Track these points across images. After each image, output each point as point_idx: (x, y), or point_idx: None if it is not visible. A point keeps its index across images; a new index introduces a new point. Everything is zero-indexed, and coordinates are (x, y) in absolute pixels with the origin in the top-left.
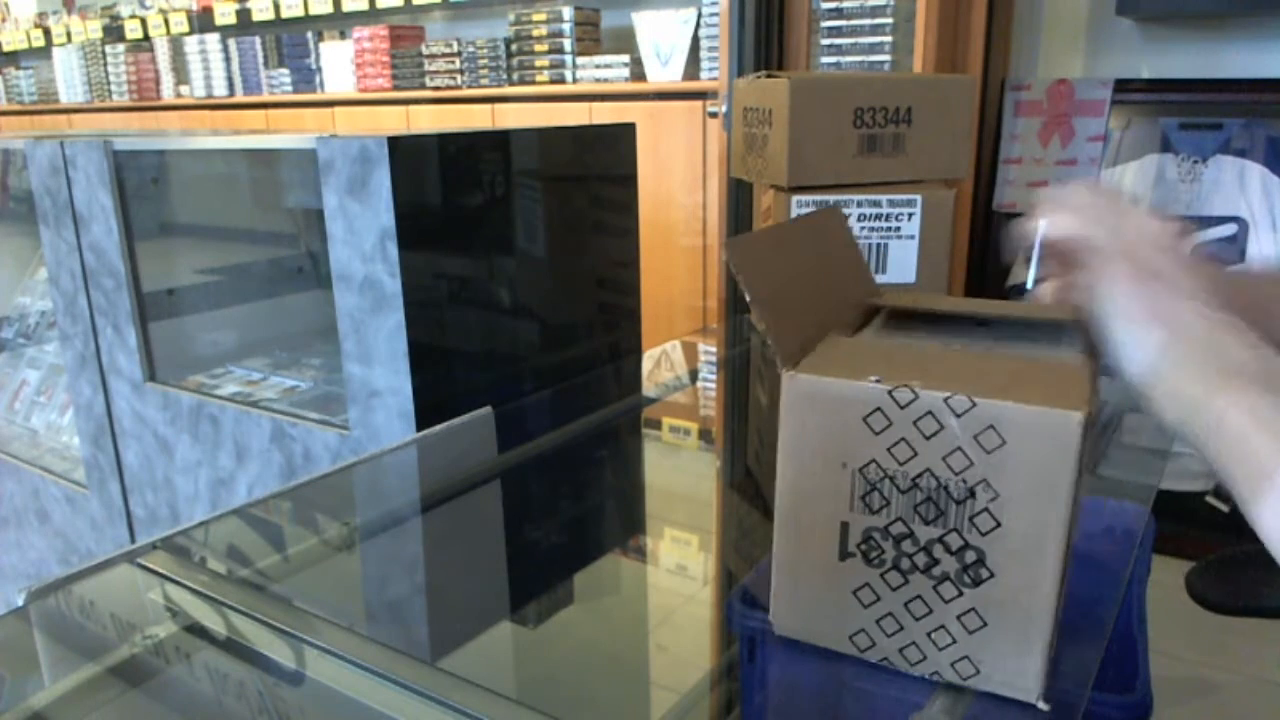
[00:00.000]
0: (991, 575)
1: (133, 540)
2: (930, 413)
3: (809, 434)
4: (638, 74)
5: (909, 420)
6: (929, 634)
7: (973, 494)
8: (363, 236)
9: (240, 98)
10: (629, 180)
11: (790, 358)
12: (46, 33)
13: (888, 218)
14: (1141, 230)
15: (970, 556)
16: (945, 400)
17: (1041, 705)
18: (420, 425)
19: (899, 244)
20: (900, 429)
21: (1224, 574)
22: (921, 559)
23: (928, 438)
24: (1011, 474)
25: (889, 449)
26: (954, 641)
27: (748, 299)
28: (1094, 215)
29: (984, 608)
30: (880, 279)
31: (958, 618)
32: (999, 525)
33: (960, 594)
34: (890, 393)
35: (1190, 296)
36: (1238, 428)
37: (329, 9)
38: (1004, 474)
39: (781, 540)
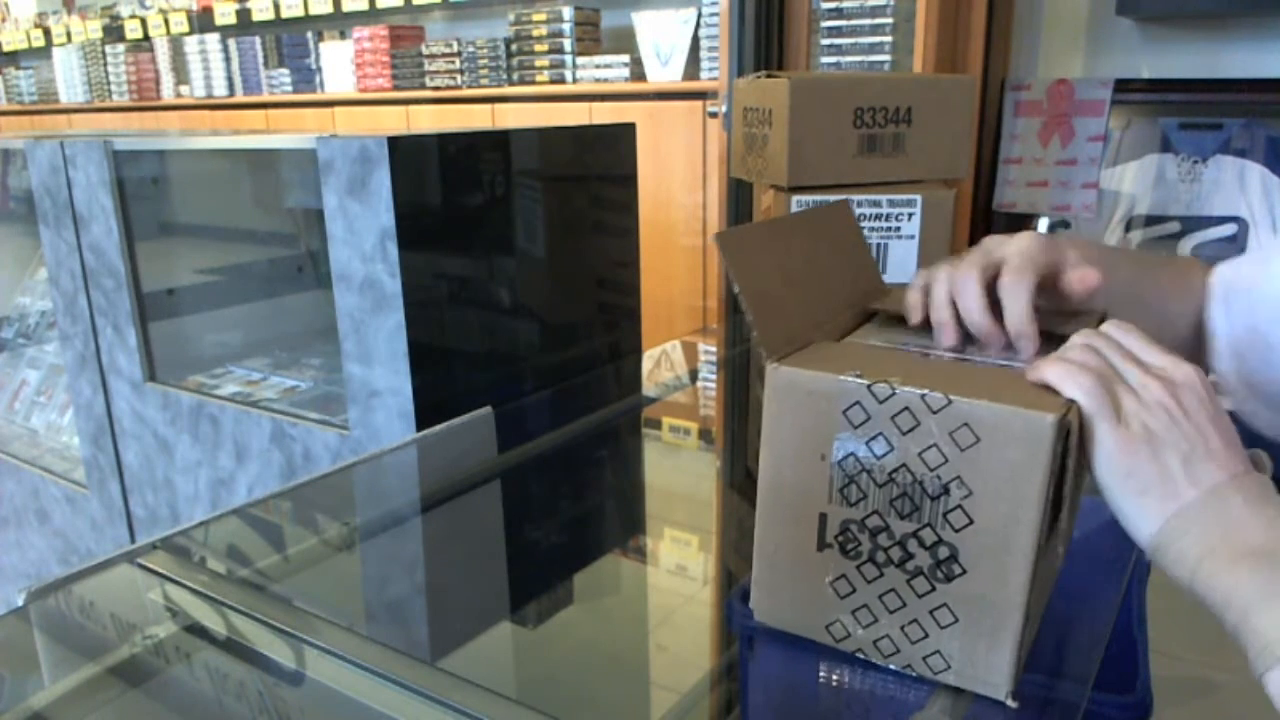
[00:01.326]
0: (964, 572)
1: (133, 540)
2: (907, 408)
3: (790, 425)
4: (638, 74)
5: (887, 415)
6: (902, 627)
7: (947, 490)
8: (363, 236)
9: (240, 98)
10: (629, 180)
11: (775, 350)
12: (46, 33)
13: (888, 218)
14: (1136, 378)
15: (943, 552)
16: (922, 397)
17: (1010, 702)
18: (420, 425)
19: (899, 244)
20: (878, 423)
21: None
22: (896, 553)
23: (904, 433)
24: (985, 472)
25: (867, 443)
26: (926, 635)
27: (736, 290)
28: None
29: (956, 603)
30: None
31: (930, 612)
32: (971, 522)
33: (933, 589)
34: (869, 387)
35: (1185, 458)
36: (1244, 603)
37: (329, 9)
38: (977, 472)
39: (762, 529)
